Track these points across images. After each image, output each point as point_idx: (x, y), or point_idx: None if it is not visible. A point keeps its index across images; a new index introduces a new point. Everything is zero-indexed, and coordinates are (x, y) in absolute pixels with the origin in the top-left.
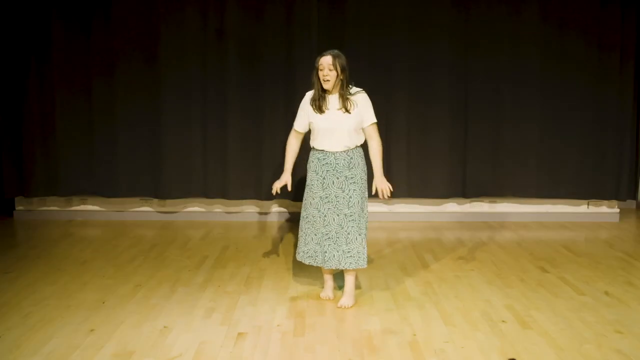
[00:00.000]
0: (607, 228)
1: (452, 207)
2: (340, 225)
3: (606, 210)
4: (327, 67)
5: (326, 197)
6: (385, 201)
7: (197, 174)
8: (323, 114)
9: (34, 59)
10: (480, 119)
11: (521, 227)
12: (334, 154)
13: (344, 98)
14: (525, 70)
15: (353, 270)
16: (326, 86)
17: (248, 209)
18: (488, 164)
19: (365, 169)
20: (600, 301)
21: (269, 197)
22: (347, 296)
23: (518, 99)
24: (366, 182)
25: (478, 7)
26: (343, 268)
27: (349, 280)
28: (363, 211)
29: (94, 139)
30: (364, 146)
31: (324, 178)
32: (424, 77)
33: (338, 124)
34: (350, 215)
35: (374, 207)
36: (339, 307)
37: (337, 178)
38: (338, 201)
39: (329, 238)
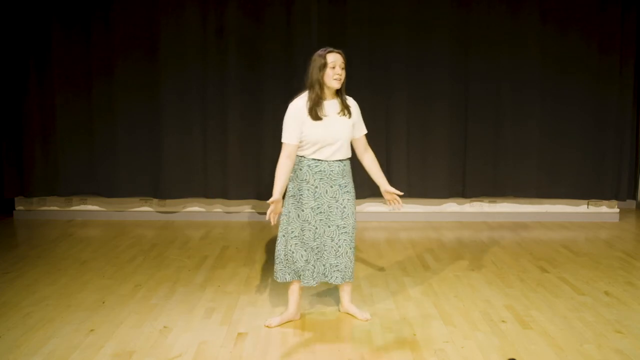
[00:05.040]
0: (607, 228)
1: (452, 207)
2: (332, 237)
3: (606, 210)
4: (340, 65)
5: (318, 208)
6: (395, 207)
7: (197, 174)
8: (321, 122)
9: (33, 59)
10: (480, 119)
11: (521, 227)
12: (327, 162)
13: (344, 102)
14: (525, 70)
15: (348, 284)
16: (337, 85)
17: (248, 209)
18: (488, 164)
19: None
20: (600, 301)
21: (269, 197)
22: (360, 309)
23: (518, 99)
24: (355, 193)
25: (478, 7)
26: (329, 282)
27: (349, 294)
28: (355, 222)
29: (94, 139)
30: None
31: (316, 187)
32: (424, 76)
33: (338, 133)
34: (344, 227)
35: (374, 207)
36: (365, 320)
37: (331, 187)
38: (331, 212)
39: (318, 251)
